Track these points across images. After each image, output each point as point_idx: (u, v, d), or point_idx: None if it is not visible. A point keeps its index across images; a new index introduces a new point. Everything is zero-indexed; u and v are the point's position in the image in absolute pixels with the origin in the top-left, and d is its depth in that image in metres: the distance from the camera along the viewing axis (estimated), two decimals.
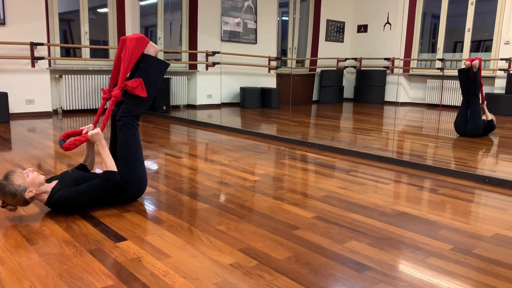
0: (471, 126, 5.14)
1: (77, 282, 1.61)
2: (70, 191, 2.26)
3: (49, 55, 6.43)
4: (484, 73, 8.29)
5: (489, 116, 5.25)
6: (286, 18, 9.73)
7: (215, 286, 1.61)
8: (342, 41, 10.45)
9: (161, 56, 8.09)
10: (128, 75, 2.47)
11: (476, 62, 5.01)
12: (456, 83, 8.40)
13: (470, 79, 5.11)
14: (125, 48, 2.43)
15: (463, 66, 5.21)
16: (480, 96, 5.16)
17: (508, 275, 1.75)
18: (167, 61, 2.62)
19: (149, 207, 2.51)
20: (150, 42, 2.51)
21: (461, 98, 5.38)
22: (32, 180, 2.20)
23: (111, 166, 2.38)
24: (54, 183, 2.32)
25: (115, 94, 2.45)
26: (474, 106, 5.13)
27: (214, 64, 7.99)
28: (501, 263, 1.86)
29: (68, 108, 6.67)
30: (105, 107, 2.55)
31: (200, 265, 1.77)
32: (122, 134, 2.45)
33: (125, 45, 2.44)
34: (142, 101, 2.48)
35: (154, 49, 2.53)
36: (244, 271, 1.73)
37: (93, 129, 2.51)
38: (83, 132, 2.50)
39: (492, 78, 8.13)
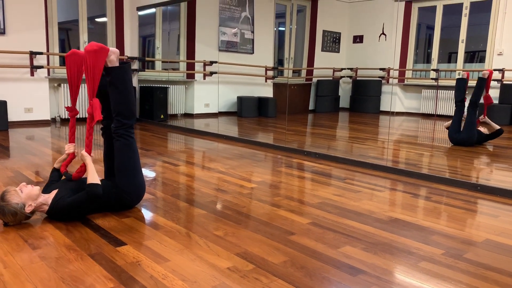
0: (465, 135, 5.23)
1: (79, 285, 1.66)
2: (64, 204, 2.28)
3: (48, 64, 6.50)
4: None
5: (496, 126, 5.32)
6: (283, 29, 9.86)
7: None
8: (338, 52, 10.57)
9: (159, 65, 8.17)
10: (96, 88, 2.38)
11: (487, 72, 5.20)
12: (450, 93, 8.51)
13: (481, 88, 5.22)
14: (86, 64, 2.31)
15: (459, 76, 5.35)
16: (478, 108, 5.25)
17: (497, 279, 1.81)
18: (127, 61, 2.54)
19: (147, 213, 2.56)
20: (110, 48, 2.37)
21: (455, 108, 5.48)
22: (27, 194, 2.23)
23: (94, 179, 2.32)
24: (53, 192, 2.36)
25: (89, 111, 2.37)
26: (471, 116, 5.21)
27: (211, 73, 8.07)
28: (490, 267, 1.91)
29: (66, 117, 6.72)
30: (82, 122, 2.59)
31: (198, 269, 1.82)
32: (118, 145, 2.49)
33: (85, 61, 2.31)
34: (125, 110, 2.47)
35: (115, 54, 2.41)
36: (241, 274, 1.78)
37: (72, 147, 2.55)
38: (67, 151, 2.55)
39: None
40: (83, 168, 2.43)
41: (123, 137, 2.49)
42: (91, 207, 2.38)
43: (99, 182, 2.33)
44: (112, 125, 2.50)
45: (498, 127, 5.32)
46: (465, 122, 5.24)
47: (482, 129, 5.37)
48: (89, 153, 2.43)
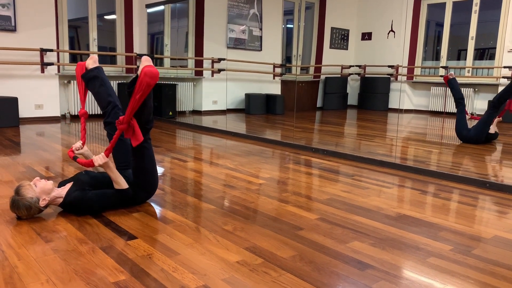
0: (475, 132, 5.20)
1: (91, 277, 1.69)
2: (85, 196, 2.33)
3: (58, 61, 6.56)
4: (487, 80, 8.37)
5: (494, 129, 5.31)
6: (291, 26, 9.85)
7: (223, 281, 1.68)
8: (347, 49, 10.54)
9: (167, 62, 8.22)
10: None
11: None
12: None
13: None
14: (141, 85, 2.20)
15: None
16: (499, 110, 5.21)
17: (505, 274, 1.81)
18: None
19: (157, 208, 2.59)
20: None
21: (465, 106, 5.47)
22: (41, 188, 2.27)
23: (123, 185, 2.42)
24: (68, 185, 2.40)
25: (122, 128, 2.32)
26: (489, 116, 5.17)
27: (219, 70, 8.09)
28: (499, 263, 1.92)
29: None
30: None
31: (208, 262, 1.85)
32: (138, 149, 2.47)
33: (140, 81, 2.21)
34: (149, 117, 2.45)
35: (91, 60, 2.72)
36: (251, 268, 1.80)
37: (82, 147, 2.64)
38: (75, 148, 2.63)
39: (496, 85, 8.19)
40: (89, 163, 2.42)
41: (145, 141, 2.48)
42: (107, 206, 2.42)
43: (127, 186, 2.45)
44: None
45: (493, 131, 5.31)
46: (482, 120, 5.20)
47: (495, 129, 5.33)
48: (107, 156, 2.39)
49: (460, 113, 5.36)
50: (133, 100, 2.22)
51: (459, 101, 5.42)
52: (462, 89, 8.18)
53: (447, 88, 8.73)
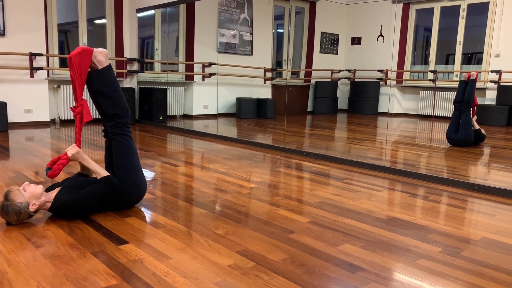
0: (462, 135, 5.28)
1: (83, 282, 1.68)
2: (72, 195, 2.33)
3: (47, 65, 6.52)
4: (476, 84, 8.46)
5: (476, 126, 5.42)
6: (281, 31, 9.89)
7: (215, 285, 1.69)
8: (336, 53, 10.62)
9: (158, 67, 8.20)
10: (83, 90, 2.45)
11: (474, 73, 5.30)
12: (448, 95, 8.56)
13: (466, 89, 5.32)
14: (72, 66, 2.35)
15: (461, 78, 5.45)
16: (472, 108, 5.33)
17: (493, 275, 1.84)
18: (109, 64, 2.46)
19: (148, 212, 2.58)
20: (95, 49, 2.43)
21: (452, 110, 5.55)
22: (31, 193, 2.26)
23: (103, 173, 2.46)
24: (56, 190, 2.39)
25: (78, 111, 2.43)
26: (466, 116, 5.29)
27: (210, 75, 8.10)
28: (487, 264, 1.95)
29: (66, 118, 6.74)
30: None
31: (199, 266, 1.85)
32: (115, 144, 2.53)
33: (71, 64, 2.36)
34: (118, 111, 2.51)
35: (101, 54, 2.46)
36: (242, 271, 1.81)
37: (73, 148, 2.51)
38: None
39: (483, 89, 8.30)
40: (60, 166, 2.38)
41: (120, 135, 2.53)
42: (96, 202, 2.40)
43: (109, 174, 2.45)
44: (108, 125, 2.53)
45: (478, 127, 5.43)
46: (461, 122, 5.31)
47: (478, 126, 5.45)
48: (79, 146, 2.46)
49: (454, 117, 5.44)
50: (76, 81, 2.38)
51: (467, 103, 5.41)
52: (450, 93, 8.29)
53: (436, 92, 8.83)
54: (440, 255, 2.03)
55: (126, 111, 2.56)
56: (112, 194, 2.46)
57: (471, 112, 5.32)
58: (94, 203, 2.41)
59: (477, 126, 5.44)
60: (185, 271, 1.80)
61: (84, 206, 2.38)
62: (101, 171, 2.45)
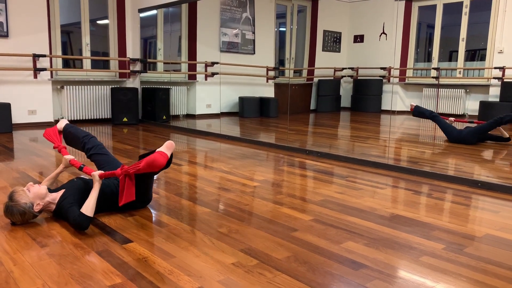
0: (467, 136, 5.24)
1: (87, 281, 1.70)
2: (66, 209, 2.27)
3: (51, 66, 6.55)
4: (479, 81, 8.45)
5: (506, 134, 5.35)
6: (284, 29, 9.89)
7: (219, 283, 1.70)
8: (339, 51, 10.60)
9: (160, 67, 8.22)
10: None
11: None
12: (451, 92, 8.54)
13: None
14: (142, 165, 2.25)
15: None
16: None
17: (497, 272, 1.84)
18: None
19: (152, 211, 2.60)
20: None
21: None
22: (35, 193, 2.27)
23: (90, 210, 2.23)
24: (61, 192, 2.40)
25: (118, 174, 2.35)
26: (489, 127, 5.22)
27: (213, 74, 8.11)
28: (490, 261, 1.95)
29: (70, 118, 6.76)
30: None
31: (203, 264, 1.86)
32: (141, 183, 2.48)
33: (143, 163, 2.26)
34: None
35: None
36: (246, 269, 1.82)
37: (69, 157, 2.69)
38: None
39: (487, 86, 8.27)
40: (85, 170, 2.47)
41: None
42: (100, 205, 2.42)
43: (91, 216, 2.23)
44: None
45: (507, 135, 5.34)
46: (478, 127, 5.25)
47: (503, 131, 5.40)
48: (101, 178, 2.40)
49: (440, 122, 5.50)
50: (134, 168, 2.28)
51: (432, 115, 5.63)
52: (454, 90, 8.27)
53: (439, 89, 8.81)
54: (444, 252, 2.03)
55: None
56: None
57: (494, 126, 5.21)
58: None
59: (506, 135, 5.34)
60: (189, 269, 1.81)
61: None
62: (90, 207, 2.24)
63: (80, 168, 2.55)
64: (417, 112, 5.80)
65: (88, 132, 2.91)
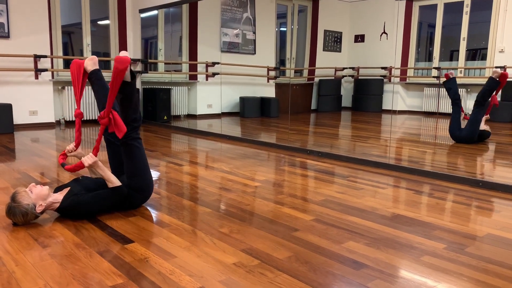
0: (466, 133, 5.24)
1: (89, 281, 1.70)
2: (80, 199, 2.34)
3: (52, 67, 6.56)
4: (480, 81, 8.44)
5: (483, 126, 5.37)
6: (284, 29, 9.90)
7: (220, 283, 1.70)
8: (340, 51, 10.60)
9: (161, 67, 8.23)
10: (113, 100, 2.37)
11: (498, 71, 5.26)
12: None
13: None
14: (116, 76, 2.28)
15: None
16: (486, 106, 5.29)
17: (498, 271, 1.84)
18: (135, 70, 2.50)
19: (153, 211, 2.60)
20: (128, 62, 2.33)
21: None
22: (37, 194, 2.28)
23: (116, 182, 2.43)
24: (65, 191, 2.40)
25: (103, 122, 2.36)
26: (474, 114, 5.23)
27: (214, 74, 8.11)
28: (491, 261, 1.95)
29: (71, 119, 6.77)
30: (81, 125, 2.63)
31: (204, 264, 1.86)
32: (131, 148, 2.50)
33: (117, 74, 2.28)
34: (138, 115, 2.52)
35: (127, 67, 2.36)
36: (247, 269, 1.82)
37: (74, 149, 2.55)
38: (67, 150, 2.55)
39: None
40: (77, 168, 2.41)
41: (136, 139, 2.52)
42: (103, 208, 2.43)
43: (120, 184, 2.44)
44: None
45: (485, 128, 5.36)
46: (470, 120, 5.26)
47: (485, 127, 5.39)
48: (96, 154, 2.44)
49: (455, 114, 5.43)
50: (110, 91, 2.30)
51: (456, 101, 5.51)
52: None
53: (440, 88, 8.80)
54: (445, 252, 2.03)
55: (140, 115, 2.60)
56: (119, 202, 2.50)
57: (480, 110, 5.24)
58: (101, 208, 2.44)
59: (484, 127, 5.36)
60: (190, 269, 1.81)
61: (92, 209, 2.40)
62: (114, 180, 2.43)
63: (63, 165, 2.50)
64: (448, 85, 5.62)
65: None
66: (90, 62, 2.60)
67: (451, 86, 5.59)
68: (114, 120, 2.35)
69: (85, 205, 2.35)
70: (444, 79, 5.65)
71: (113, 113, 2.34)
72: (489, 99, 5.22)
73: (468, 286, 1.71)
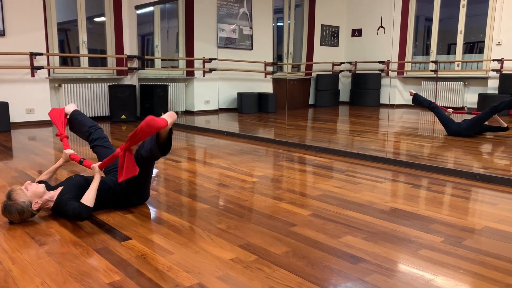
0: (466, 128, 5.23)
1: (86, 278, 1.70)
2: (65, 202, 2.26)
3: (48, 64, 6.53)
4: (477, 74, 8.44)
5: (504, 123, 5.30)
6: (281, 24, 9.86)
7: (217, 279, 1.70)
8: (337, 46, 10.58)
9: (158, 63, 8.20)
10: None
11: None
12: (450, 85, 8.53)
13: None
14: (138, 128, 2.14)
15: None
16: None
17: (495, 264, 1.84)
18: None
19: (151, 208, 2.59)
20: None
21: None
22: (33, 192, 2.27)
23: (88, 200, 2.22)
24: (59, 189, 2.40)
25: (117, 152, 2.30)
26: (486, 116, 5.19)
27: (211, 70, 8.09)
28: (489, 253, 1.95)
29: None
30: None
31: (202, 261, 1.86)
32: (141, 159, 2.39)
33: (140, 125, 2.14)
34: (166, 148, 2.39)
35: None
36: (245, 265, 1.82)
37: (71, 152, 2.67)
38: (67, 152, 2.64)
39: (485, 79, 8.26)
40: (85, 163, 2.49)
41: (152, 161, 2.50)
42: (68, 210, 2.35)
43: (91, 206, 2.22)
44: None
45: (505, 125, 5.29)
46: (476, 119, 5.23)
47: (500, 121, 5.36)
48: (101, 169, 2.43)
49: (439, 113, 5.48)
50: (132, 137, 2.16)
51: (431, 106, 5.61)
52: (452, 82, 8.27)
53: (437, 82, 8.80)
54: (442, 245, 2.03)
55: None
56: (114, 196, 2.50)
57: (491, 115, 5.17)
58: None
59: (499, 121, 5.30)
60: (188, 265, 1.81)
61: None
62: (90, 197, 2.23)
63: (80, 162, 2.55)
64: (416, 100, 5.77)
65: (96, 122, 2.90)
66: (71, 107, 2.99)
67: (419, 100, 5.83)
68: (125, 162, 2.20)
69: (65, 210, 2.25)
70: (411, 99, 5.83)
71: (129, 154, 2.21)
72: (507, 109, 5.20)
73: (465, 279, 1.71)
